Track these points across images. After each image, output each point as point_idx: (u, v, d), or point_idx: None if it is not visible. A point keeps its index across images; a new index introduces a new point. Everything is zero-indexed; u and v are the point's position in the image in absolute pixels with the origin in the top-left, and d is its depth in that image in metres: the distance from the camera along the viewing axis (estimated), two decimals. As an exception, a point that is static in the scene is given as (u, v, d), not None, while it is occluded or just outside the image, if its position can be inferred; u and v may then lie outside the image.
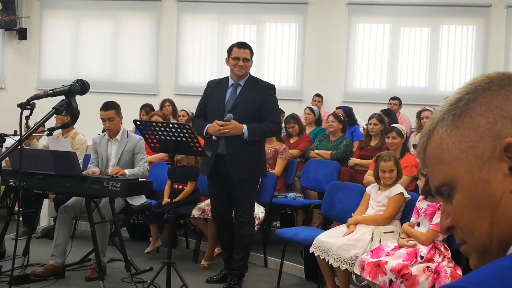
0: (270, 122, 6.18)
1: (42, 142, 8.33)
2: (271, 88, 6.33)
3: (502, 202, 1.09)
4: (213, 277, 6.60)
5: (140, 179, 6.52)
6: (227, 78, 6.32)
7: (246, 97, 6.18)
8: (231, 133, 6.00)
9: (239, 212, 6.31)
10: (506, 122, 1.10)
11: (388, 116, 9.48)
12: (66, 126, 7.73)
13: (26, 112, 3.42)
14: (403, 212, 5.90)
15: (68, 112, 7.75)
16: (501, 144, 1.08)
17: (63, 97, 3.51)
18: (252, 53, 6.28)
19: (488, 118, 1.11)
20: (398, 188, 5.89)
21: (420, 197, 5.55)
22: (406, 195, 5.89)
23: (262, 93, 6.22)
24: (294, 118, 9.27)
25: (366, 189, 6.18)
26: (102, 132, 7.63)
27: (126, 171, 6.62)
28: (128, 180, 6.08)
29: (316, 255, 5.80)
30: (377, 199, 5.96)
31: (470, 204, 1.12)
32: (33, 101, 3.39)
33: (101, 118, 6.94)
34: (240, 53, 6.21)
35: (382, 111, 9.70)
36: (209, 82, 6.49)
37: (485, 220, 1.11)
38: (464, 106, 1.15)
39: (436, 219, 5.20)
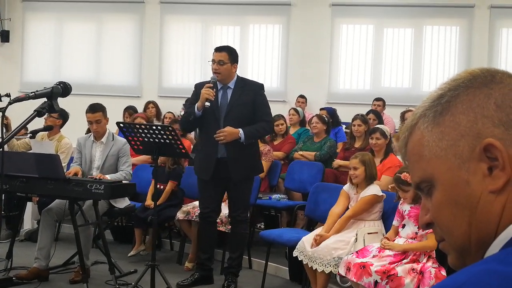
0: (264, 122, 6.30)
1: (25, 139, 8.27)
2: (260, 87, 6.45)
3: (481, 202, 1.08)
4: (184, 281, 6.56)
5: (123, 181, 6.51)
6: (215, 81, 6.32)
7: (238, 100, 6.26)
8: (227, 139, 6.06)
9: (236, 212, 6.41)
10: (487, 122, 1.09)
11: (377, 118, 9.47)
12: (50, 129, 7.71)
13: (1, 105, 3.41)
14: (387, 213, 5.90)
15: (60, 116, 7.80)
16: (480, 144, 1.08)
17: (45, 99, 3.50)
18: (231, 56, 6.29)
19: (469, 117, 1.10)
20: (372, 190, 5.88)
21: (402, 199, 5.53)
22: (380, 193, 5.88)
23: (253, 94, 6.32)
24: (282, 116, 9.37)
25: (344, 187, 6.16)
26: (86, 133, 7.60)
27: (108, 176, 6.59)
28: (111, 182, 6.07)
29: (299, 259, 5.81)
30: (354, 203, 5.97)
31: (449, 203, 1.12)
32: (8, 93, 3.38)
33: (88, 121, 6.92)
34: (215, 56, 6.29)
35: (371, 112, 9.70)
36: (196, 84, 6.49)
37: (464, 219, 1.10)
38: (446, 103, 1.14)
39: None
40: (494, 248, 1.06)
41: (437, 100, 1.16)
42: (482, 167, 1.08)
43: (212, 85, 6.12)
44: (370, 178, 5.93)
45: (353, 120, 8.46)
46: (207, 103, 6.04)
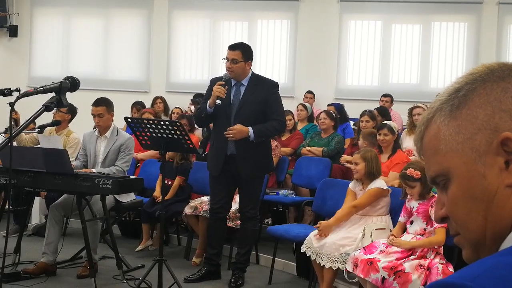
0: (275, 121, 6.23)
1: (33, 134, 8.29)
2: (274, 85, 6.39)
3: (497, 196, 1.08)
4: (191, 276, 6.56)
5: (131, 176, 6.51)
6: (229, 78, 6.29)
7: (250, 98, 6.22)
8: (237, 137, 6.05)
9: (246, 208, 6.40)
10: (504, 115, 1.09)
11: (383, 115, 9.43)
12: (58, 124, 7.72)
13: (10, 99, 3.41)
14: (394, 209, 5.88)
15: (68, 110, 7.82)
16: (498, 137, 1.08)
17: (53, 94, 3.50)
18: (245, 54, 6.24)
19: (486, 111, 1.10)
20: (377, 184, 5.87)
21: (409, 196, 5.52)
22: (385, 187, 5.88)
23: (266, 92, 6.26)
24: (290, 112, 9.37)
25: (349, 185, 6.15)
26: (94, 129, 7.62)
27: (93, 170, 6.58)
28: (119, 177, 6.06)
29: (307, 255, 5.81)
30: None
31: (465, 197, 1.12)
32: (18, 88, 3.39)
33: (92, 114, 6.92)
34: (228, 54, 6.25)
35: (376, 109, 9.68)
36: (212, 79, 6.47)
37: (479, 213, 1.10)
38: (463, 97, 1.14)
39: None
40: (509, 241, 1.06)
41: (454, 94, 1.16)
42: (499, 161, 1.08)
43: (224, 82, 6.10)
44: (370, 174, 5.91)
45: (361, 116, 8.45)
46: (218, 101, 6.02)
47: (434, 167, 1.17)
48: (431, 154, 1.18)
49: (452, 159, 1.13)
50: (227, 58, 6.23)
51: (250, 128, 6.06)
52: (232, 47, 6.28)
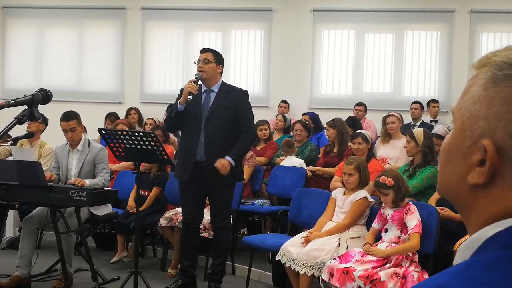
0: (247, 133, 6.23)
1: (6, 146, 8.23)
2: (244, 93, 6.42)
3: (461, 182, 1.11)
4: (167, 287, 6.51)
5: (105, 188, 6.47)
6: (200, 84, 6.30)
7: (221, 103, 6.22)
8: (224, 172, 6.00)
9: (218, 218, 6.35)
10: (510, 126, 1.04)
11: (353, 125, 9.44)
12: (31, 136, 7.67)
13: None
14: (369, 217, 5.91)
15: (42, 120, 7.77)
16: (482, 141, 1.06)
17: (25, 106, 3.49)
18: (216, 57, 6.32)
19: (503, 108, 1.05)
20: (362, 193, 5.92)
21: (384, 204, 5.55)
22: (370, 199, 5.91)
23: (237, 99, 6.28)
24: (266, 122, 9.37)
25: (332, 193, 6.20)
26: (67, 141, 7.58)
27: (87, 181, 6.54)
28: (93, 189, 6.01)
29: (282, 262, 5.81)
30: (342, 205, 5.98)
31: (447, 153, 1.16)
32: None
33: (63, 129, 6.83)
34: (200, 56, 6.30)
35: (347, 119, 9.71)
36: (181, 89, 6.47)
37: (450, 174, 1.15)
38: (504, 77, 1.07)
39: (414, 221, 5.23)
40: (465, 251, 1.06)
41: (506, 65, 1.09)
42: (477, 156, 1.07)
43: (195, 80, 6.12)
44: (364, 183, 5.98)
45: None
46: (190, 97, 6.00)
47: (456, 105, 1.16)
48: (462, 93, 1.16)
49: (460, 114, 1.13)
50: (199, 60, 6.27)
51: (228, 158, 6.04)
52: (203, 50, 6.38)
